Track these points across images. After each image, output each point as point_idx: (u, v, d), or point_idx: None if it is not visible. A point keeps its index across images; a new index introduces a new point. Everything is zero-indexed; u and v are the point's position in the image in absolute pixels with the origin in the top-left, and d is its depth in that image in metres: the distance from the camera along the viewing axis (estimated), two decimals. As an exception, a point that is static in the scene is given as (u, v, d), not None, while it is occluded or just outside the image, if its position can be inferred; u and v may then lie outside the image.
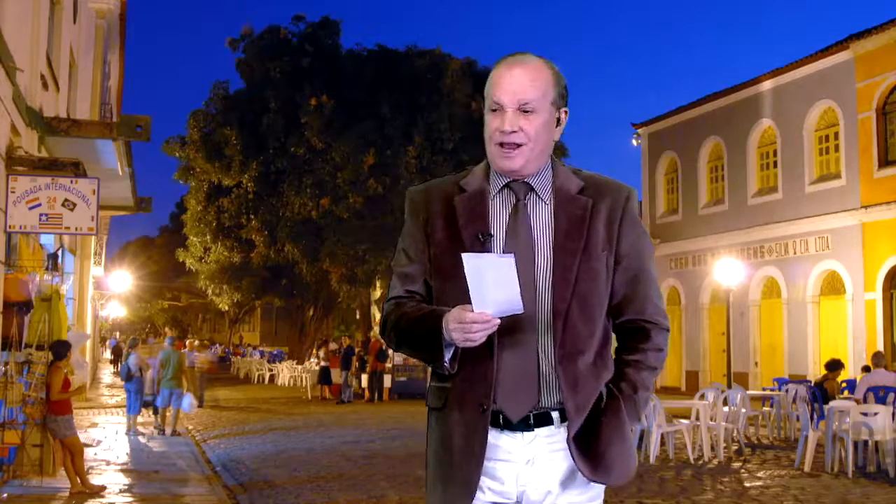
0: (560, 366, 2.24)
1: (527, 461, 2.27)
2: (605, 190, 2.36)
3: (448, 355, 2.23)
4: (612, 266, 2.33)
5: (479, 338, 2.13)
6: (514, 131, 2.28)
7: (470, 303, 2.14)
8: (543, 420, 2.27)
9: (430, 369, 2.41)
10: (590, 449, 2.26)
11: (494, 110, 2.31)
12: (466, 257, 2.10)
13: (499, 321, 2.12)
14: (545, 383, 2.26)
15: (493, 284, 2.08)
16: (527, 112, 2.28)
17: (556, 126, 2.37)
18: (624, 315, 2.37)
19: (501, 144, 2.29)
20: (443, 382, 2.33)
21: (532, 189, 2.34)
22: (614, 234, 2.33)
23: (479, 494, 2.27)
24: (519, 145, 2.28)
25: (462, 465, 2.26)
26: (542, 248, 2.28)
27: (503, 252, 2.25)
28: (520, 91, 2.28)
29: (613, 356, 2.38)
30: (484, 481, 2.27)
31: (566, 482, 2.29)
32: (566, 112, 2.38)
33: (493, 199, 2.34)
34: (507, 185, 2.34)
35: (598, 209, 2.32)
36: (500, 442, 2.27)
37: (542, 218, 2.32)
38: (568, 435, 2.26)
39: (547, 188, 2.35)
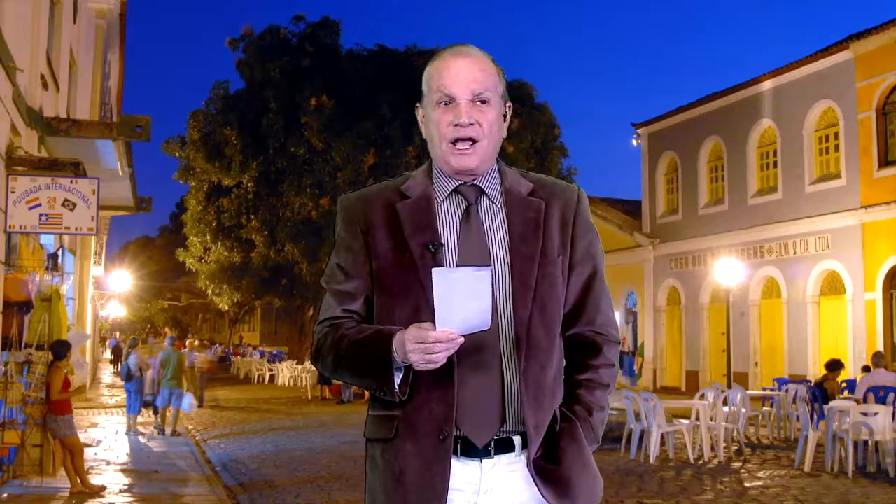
0: (523, 380, 2.04)
1: (485, 490, 2.05)
2: (556, 191, 2.20)
3: (398, 380, 2.00)
4: (566, 271, 2.15)
5: (441, 359, 1.91)
6: (472, 124, 2.09)
7: (422, 320, 1.96)
8: (505, 446, 2.06)
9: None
10: (553, 476, 2.07)
11: (445, 103, 2.11)
12: (438, 272, 1.89)
13: (462, 339, 1.90)
14: (510, 402, 2.05)
15: (463, 300, 1.88)
16: (482, 103, 2.11)
17: (504, 122, 2.20)
18: (574, 326, 2.18)
19: (455, 141, 2.10)
20: (389, 410, 2.08)
21: (482, 192, 2.15)
22: (568, 238, 2.16)
23: None
24: (475, 141, 2.10)
25: (421, 501, 2.02)
26: (498, 255, 2.09)
27: (456, 262, 2.06)
28: (473, 81, 2.10)
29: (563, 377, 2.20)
30: None
31: None
32: (510, 107, 2.23)
33: (441, 204, 2.14)
34: (455, 190, 2.15)
35: (551, 212, 2.15)
36: (454, 469, 2.03)
37: (495, 223, 2.12)
38: (528, 459, 2.06)
39: (496, 190, 2.16)
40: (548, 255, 2.12)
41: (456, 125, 2.10)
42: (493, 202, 2.15)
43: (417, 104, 2.25)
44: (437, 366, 1.93)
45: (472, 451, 2.05)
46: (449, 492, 2.03)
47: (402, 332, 1.96)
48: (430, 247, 2.07)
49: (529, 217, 2.13)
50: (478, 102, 2.11)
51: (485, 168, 2.16)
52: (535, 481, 2.06)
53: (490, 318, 1.91)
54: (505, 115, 2.20)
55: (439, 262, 2.04)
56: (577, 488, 2.10)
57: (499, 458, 2.06)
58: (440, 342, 1.89)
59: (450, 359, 1.97)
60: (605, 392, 2.20)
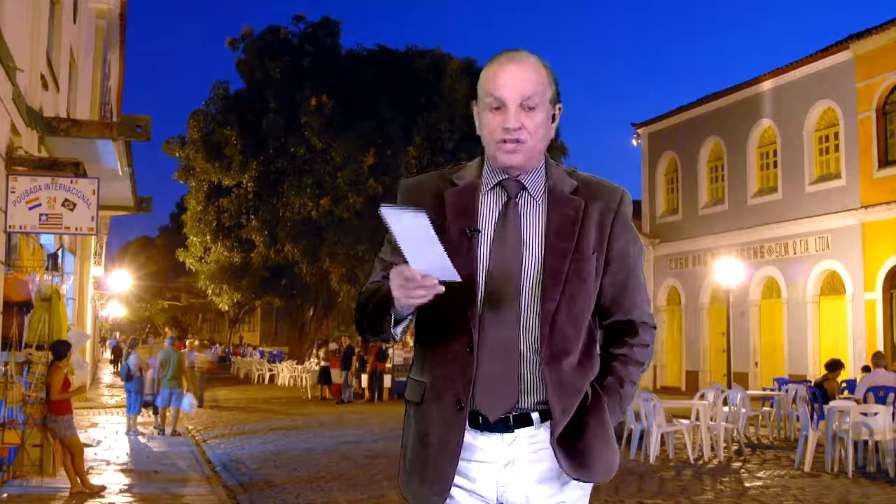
0: (546, 367, 2.20)
1: (507, 463, 2.22)
2: (599, 191, 2.31)
3: (401, 327, 2.20)
4: (601, 268, 2.28)
5: (418, 295, 2.04)
6: (518, 128, 2.23)
7: (456, 300, 2.12)
8: (523, 421, 2.22)
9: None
10: (572, 447, 2.22)
11: (496, 108, 2.25)
12: (384, 210, 2.00)
13: (442, 288, 2.03)
14: (525, 384, 2.21)
15: (416, 242, 2.00)
16: (529, 109, 2.23)
17: (552, 123, 2.33)
18: (611, 317, 2.33)
19: (504, 141, 2.24)
20: (420, 377, 2.30)
21: (524, 188, 2.29)
22: (605, 236, 2.28)
23: (454, 493, 2.22)
24: (521, 142, 2.24)
25: (437, 462, 2.22)
26: (532, 248, 2.23)
27: (490, 249, 2.22)
28: (522, 87, 2.23)
29: (599, 354, 2.35)
30: (460, 481, 2.22)
31: (549, 483, 2.25)
32: (560, 108, 2.34)
33: (484, 195, 2.30)
34: (499, 183, 2.30)
35: (591, 210, 2.27)
36: (479, 442, 2.23)
37: (532, 217, 2.27)
38: (552, 437, 2.21)
39: (539, 187, 2.30)
40: (582, 251, 2.24)
41: (505, 129, 2.23)
42: (533, 198, 2.29)
43: (473, 101, 2.38)
44: (418, 302, 2.06)
45: (494, 426, 2.22)
46: (473, 462, 2.22)
47: (394, 268, 2.11)
48: (467, 231, 2.23)
49: (568, 215, 2.26)
50: (526, 108, 2.24)
51: (531, 166, 2.29)
52: (555, 453, 2.21)
53: (452, 268, 2.01)
54: (554, 117, 2.32)
55: (474, 247, 2.22)
56: (595, 460, 2.25)
57: (519, 431, 2.22)
58: (415, 281, 2.02)
59: (470, 334, 2.18)
60: (638, 369, 2.33)
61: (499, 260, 2.22)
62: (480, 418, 2.21)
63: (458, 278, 2.04)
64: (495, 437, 2.22)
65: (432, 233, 1.98)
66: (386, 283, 2.18)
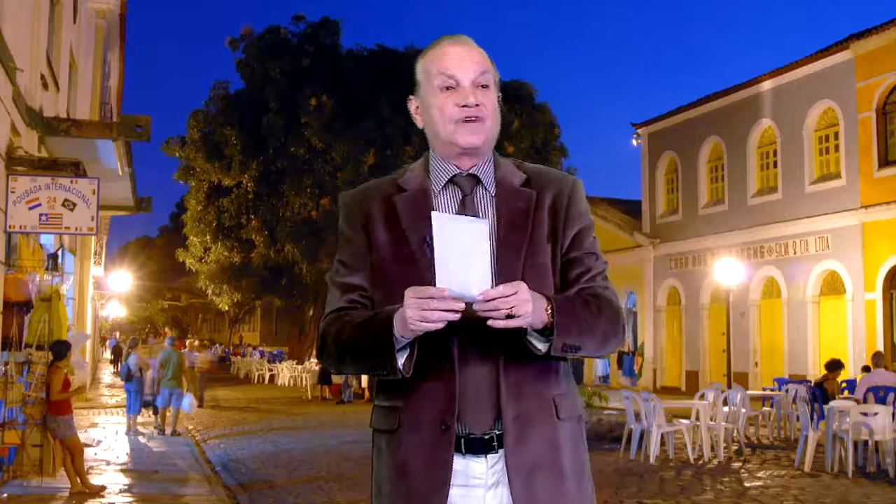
0: (503, 369, 2.04)
1: (492, 485, 2.06)
2: (549, 181, 2.20)
3: (403, 359, 2.00)
4: (558, 259, 2.15)
5: (436, 318, 1.87)
6: (477, 105, 2.10)
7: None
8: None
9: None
10: (520, 468, 2.05)
11: (447, 87, 2.12)
12: (436, 216, 1.89)
13: (462, 307, 1.87)
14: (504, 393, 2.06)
15: (462, 256, 1.86)
16: (483, 87, 2.13)
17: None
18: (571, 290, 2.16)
19: (465, 120, 2.11)
20: (393, 401, 2.11)
21: (478, 181, 2.16)
22: (560, 225, 2.15)
23: None
24: (481, 119, 2.11)
25: (422, 490, 2.03)
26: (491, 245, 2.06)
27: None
28: (474, 65, 2.13)
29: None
30: None
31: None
32: (500, 99, 2.21)
33: (438, 196, 2.15)
34: (451, 180, 2.16)
35: (543, 200, 2.15)
36: (461, 466, 2.05)
37: (487, 212, 2.13)
38: (504, 454, 2.04)
39: (491, 179, 2.17)
40: (536, 243, 2.12)
41: (463, 106, 2.11)
42: (487, 191, 2.16)
43: (410, 97, 2.25)
44: (434, 327, 1.89)
45: (477, 447, 2.06)
46: (458, 488, 2.05)
47: (407, 290, 1.95)
48: (428, 239, 2.02)
49: (519, 207, 2.14)
50: (479, 86, 2.13)
51: (487, 150, 2.18)
52: (508, 477, 2.03)
53: (491, 280, 1.88)
54: (497, 101, 2.20)
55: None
56: (540, 486, 2.05)
57: (502, 451, 2.06)
58: (435, 299, 1.86)
59: (449, 347, 2.01)
60: (600, 309, 2.09)
61: None
62: (463, 442, 2.05)
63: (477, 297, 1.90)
64: (479, 460, 2.06)
65: (486, 245, 1.86)
66: (365, 304, 2.09)
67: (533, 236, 2.12)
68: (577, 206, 2.20)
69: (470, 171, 2.17)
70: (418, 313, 1.88)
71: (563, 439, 2.10)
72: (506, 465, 2.05)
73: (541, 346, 2.01)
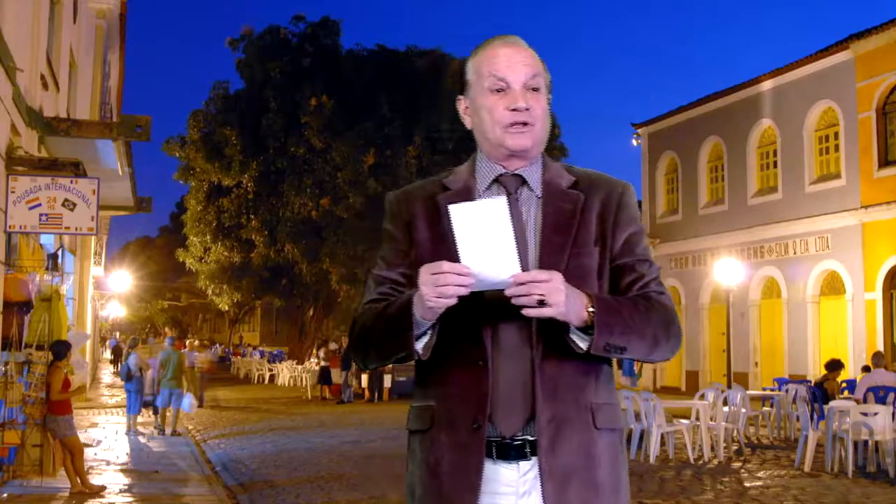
0: (539, 370, 2.01)
1: (523, 493, 2.02)
2: (599, 184, 2.17)
3: (422, 344, 1.99)
4: (606, 264, 2.12)
5: (451, 293, 1.87)
6: (527, 108, 2.09)
7: (461, 310, 1.93)
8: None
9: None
10: (552, 474, 2.01)
11: (497, 90, 2.10)
12: (452, 208, 1.89)
13: (472, 280, 1.87)
14: (538, 395, 2.02)
15: (486, 241, 1.85)
16: (534, 90, 2.11)
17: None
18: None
19: (513, 124, 2.09)
20: (426, 400, 2.10)
21: (524, 182, 2.14)
22: (608, 230, 2.12)
23: None
24: (530, 124, 2.10)
25: (454, 492, 2.01)
26: (529, 246, 2.08)
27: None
28: (524, 67, 2.11)
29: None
30: None
31: None
32: (550, 101, 2.20)
33: (482, 195, 2.13)
34: (495, 180, 2.15)
35: (591, 204, 2.13)
36: (491, 473, 2.02)
37: (531, 213, 2.12)
38: (539, 457, 2.00)
39: (538, 181, 2.15)
40: (581, 245, 2.09)
41: (513, 110, 2.09)
42: (533, 192, 2.14)
43: (459, 96, 2.22)
44: (449, 302, 1.89)
45: (510, 454, 2.03)
46: (487, 496, 2.01)
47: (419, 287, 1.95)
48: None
49: (565, 208, 2.11)
50: (530, 90, 2.11)
51: (536, 152, 2.16)
52: (541, 482, 1.99)
53: (517, 263, 1.87)
54: (548, 104, 2.20)
55: None
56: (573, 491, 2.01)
57: (536, 458, 2.02)
58: (450, 273, 1.86)
59: (483, 346, 2.00)
60: (652, 311, 2.06)
61: None
62: (494, 448, 2.02)
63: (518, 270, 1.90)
64: (511, 467, 2.03)
65: (508, 222, 1.86)
66: (397, 296, 2.06)
67: (578, 239, 2.09)
68: (627, 211, 2.16)
69: (515, 172, 2.15)
70: (433, 290, 1.88)
71: (599, 449, 2.05)
72: (539, 469, 2.01)
73: (582, 345, 1.98)
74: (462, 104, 2.22)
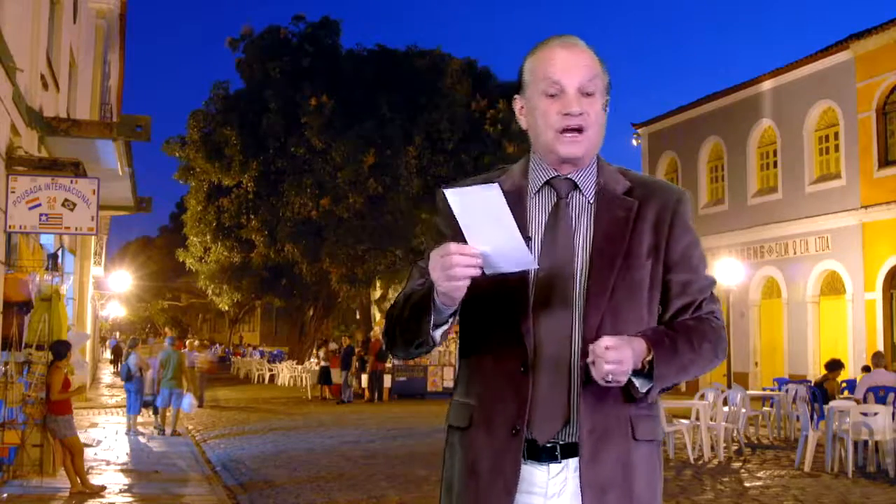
0: (580, 381, 2.00)
1: (552, 495, 2.03)
2: (655, 191, 2.13)
3: (440, 332, 2.00)
4: (659, 276, 2.09)
5: (459, 274, 1.86)
6: (580, 114, 2.05)
7: (505, 308, 1.99)
8: (571, 451, 2.03)
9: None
10: (592, 482, 2.03)
11: (551, 94, 2.06)
12: (449, 192, 1.88)
13: (479, 261, 1.87)
14: (576, 404, 2.02)
15: (488, 225, 1.85)
16: (588, 95, 2.07)
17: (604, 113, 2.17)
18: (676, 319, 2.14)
19: (565, 130, 2.05)
20: (467, 398, 2.11)
21: (576, 186, 2.11)
22: (662, 240, 2.08)
23: None
24: (583, 130, 2.06)
25: (490, 493, 2.03)
26: (579, 253, 2.04)
27: (539, 255, 2.03)
28: (580, 71, 2.07)
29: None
30: None
31: None
32: (608, 101, 2.16)
33: (533, 197, 2.11)
34: (547, 183, 2.11)
35: (645, 212, 2.08)
36: (524, 473, 2.04)
37: (583, 219, 2.08)
38: (579, 466, 2.01)
39: (591, 186, 2.11)
40: (633, 256, 2.06)
41: (566, 115, 2.06)
42: (585, 197, 2.11)
43: (516, 96, 2.19)
44: (458, 283, 1.88)
45: (541, 456, 2.04)
46: (520, 494, 2.03)
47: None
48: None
49: (619, 216, 2.08)
50: (584, 94, 2.08)
51: (589, 159, 2.13)
52: (581, 492, 2.01)
53: (525, 247, 1.87)
54: (604, 107, 2.16)
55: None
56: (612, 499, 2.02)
57: (567, 461, 2.03)
58: (458, 255, 1.86)
59: (525, 352, 2.00)
60: (704, 342, 2.08)
61: (550, 268, 2.03)
62: (525, 447, 2.03)
63: (532, 263, 1.91)
64: (541, 468, 2.04)
65: (505, 209, 1.84)
66: (423, 284, 2.04)
67: (630, 249, 2.06)
68: (682, 220, 2.12)
69: (568, 176, 2.12)
70: (443, 273, 1.88)
71: (637, 461, 2.05)
72: (579, 481, 2.01)
73: (641, 388, 2.02)
74: (518, 104, 2.19)
